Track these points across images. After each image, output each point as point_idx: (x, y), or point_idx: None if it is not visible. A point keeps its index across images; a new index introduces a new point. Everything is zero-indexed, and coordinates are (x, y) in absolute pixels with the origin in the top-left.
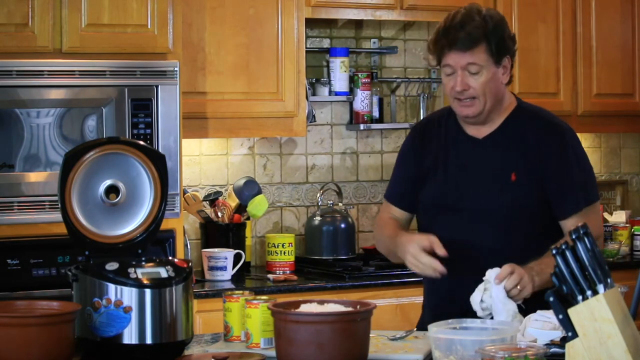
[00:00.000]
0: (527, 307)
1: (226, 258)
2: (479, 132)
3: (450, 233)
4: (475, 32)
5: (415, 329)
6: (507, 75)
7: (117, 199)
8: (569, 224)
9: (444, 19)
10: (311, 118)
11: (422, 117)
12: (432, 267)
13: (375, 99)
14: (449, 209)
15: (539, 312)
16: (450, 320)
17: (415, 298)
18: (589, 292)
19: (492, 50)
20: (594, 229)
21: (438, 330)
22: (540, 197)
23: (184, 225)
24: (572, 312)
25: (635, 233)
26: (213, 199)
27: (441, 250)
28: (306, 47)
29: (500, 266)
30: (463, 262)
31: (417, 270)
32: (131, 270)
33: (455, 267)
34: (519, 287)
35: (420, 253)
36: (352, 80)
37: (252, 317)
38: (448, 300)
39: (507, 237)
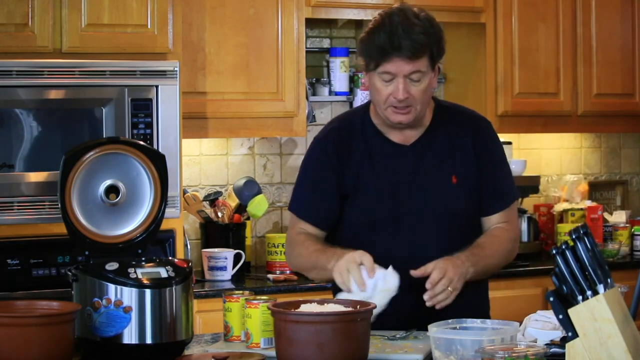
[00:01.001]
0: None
1: (226, 258)
2: (405, 137)
3: (390, 248)
4: (421, 39)
5: (415, 329)
6: (437, 78)
7: (117, 199)
8: (493, 220)
9: (376, 20)
10: (311, 118)
11: (325, 126)
12: (357, 281)
13: None
14: (387, 223)
15: (539, 312)
16: (450, 320)
17: None
18: (589, 292)
19: (433, 56)
20: (516, 227)
21: (438, 330)
22: (477, 196)
23: (184, 225)
24: (572, 312)
25: (635, 233)
26: (213, 199)
27: (370, 272)
28: (306, 47)
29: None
30: (406, 274)
31: (340, 278)
32: (131, 270)
33: (401, 275)
34: (449, 288)
35: (355, 264)
36: (352, 80)
37: (252, 317)
38: (392, 311)
39: (452, 241)
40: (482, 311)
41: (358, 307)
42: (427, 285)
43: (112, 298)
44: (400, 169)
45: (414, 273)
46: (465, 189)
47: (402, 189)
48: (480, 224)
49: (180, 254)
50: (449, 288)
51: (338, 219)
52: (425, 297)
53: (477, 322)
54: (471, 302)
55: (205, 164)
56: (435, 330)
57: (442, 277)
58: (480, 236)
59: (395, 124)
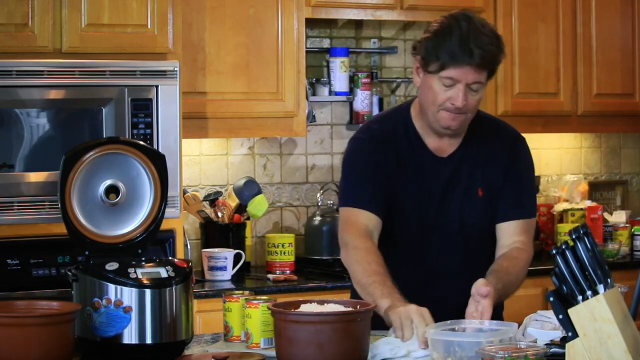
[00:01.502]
0: None
1: (226, 258)
2: (442, 148)
3: (416, 256)
4: (491, 50)
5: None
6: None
7: (117, 199)
8: (508, 230)
9: (442, 23)
10: (311, 118)
11: (363, 126)
12: (420, 338)
13: (375, 99)
14: (416, 231)
15: (539, 312)
16: (448, 322)
17: None
18: (589, 292)
19: (493, 70)
20: (532, 246)
21: (436, 331)
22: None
23: (184, 225)
24: (572, 312)
25: (635, 233)
26: (213, 199)
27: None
28: (306, 47)
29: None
30: (431, 280)
31: (399, 323)
32: (131, 270)
33: (424, 285)
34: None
35: (422, 321)
36: (352, 80)
37: (252, 317)
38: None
39: (473, 254)
40: (496, 313)
41: (358, 307)
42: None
43: (112, 298)
44: (435, 179)
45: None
46: (489, 201)
47: (434, 199)
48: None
49: (180, 254)
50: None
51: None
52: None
53: (475, 324)
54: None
55: (205, 164)
56: (433, 331)
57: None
58: (502, 257)
59: (443, 129)
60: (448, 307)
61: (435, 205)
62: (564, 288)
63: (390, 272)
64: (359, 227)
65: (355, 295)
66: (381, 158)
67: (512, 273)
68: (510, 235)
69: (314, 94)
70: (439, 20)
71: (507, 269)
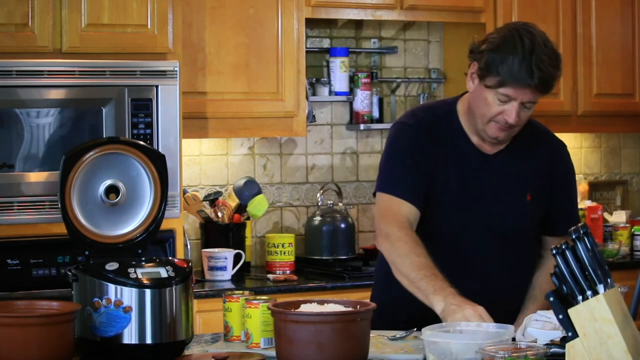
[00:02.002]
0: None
1: (226, 258)
2: (486, 147)
3: (456, 250)
4: (552, 74)
5: (415, 329)
6: None
7: (117, 199)
8: (552, 240)
9: (504, 37)
10: (311, 118)
11: (408, 112)
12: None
13: (375, 99)
14: (459, 225)
15: (539, 312)
16: (444, 324)
17: None
18: (589, 292)
19: (551, 90)
20: None
21: (432, 333)
22: (543, 215)
23: (184, 225)
24: (572, 312)
25: (635, 233)
26: (213, 199)
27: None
28: (306, 47)
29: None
30: (470, 277)
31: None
32: (131, 270)
33: (460, 283)
34: None
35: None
36: (352, 80)
37: (252, 317)
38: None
39: (513, 258)
40: None
41: (358, 307)
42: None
43: (112, 298)
44: (479, 176)
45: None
46: (537, 207)
47: (479, 196)
48: (537, 241)
49: (180, 254)
50: None
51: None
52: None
53: (471, 326)
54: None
55: (205, 164)
56: (429, 333)
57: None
58: (545, 275)
59: (490, 139)
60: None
61: (478, 201)
62: (564, 288)
63: None
64: (401, 219)
65: (381, 286)
66: (425, 146)
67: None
68: (553, 244)
69: (314, 94)
70: (501, 31)
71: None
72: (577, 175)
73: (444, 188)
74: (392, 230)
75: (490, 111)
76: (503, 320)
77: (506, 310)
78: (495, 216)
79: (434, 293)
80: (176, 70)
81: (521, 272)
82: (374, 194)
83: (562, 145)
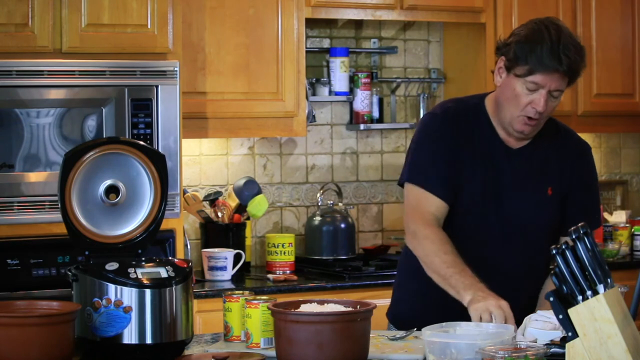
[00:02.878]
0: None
1: (226, 258)
2: (512, 141)
3: (476, 241)
4: (578, 60)
5: (415, 329)
6: None
7: (117, 199)
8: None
9: (531, 29)
10: (311, 118)
11: (438, 104)
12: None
13: (375, 99)
14: (480, 217)
15: (539, 312)
16: (444, 324)
17: None
18: (589, 292)
19: (576, 79)
20: None
21: (432, 333)
22: (563, 212)
23: (184, 225)
24: (572, 312)
25: (635, 233)
26: (213, 199)
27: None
28: (306, 47)
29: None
30: (488, 272)
31: (484, 316)
32: (131, 270)
33: (481, 276)
34: None
35: (501, 313)
36: (352, 80)
37: (252, 317)
38: (453, 305)
39: (532, 251)
40: None
41: (358, 307)
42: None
43: (112, 298)
44: (502, 169)
45: None
46: (557, 202)
47: (499, 189)
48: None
49: (180, 254)
50: None
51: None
52: None
53: (471, 326)
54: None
55: (205, 164)
56: (429, 333)
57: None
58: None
59: (517, 133)
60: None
61: (502, 194)
62: (564, 288)
63: None
64: (428, 217)
65: (406, 277)
66: (452, 136)
67: None
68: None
69: (314, 94)
70: (528, 25)
71: None
72: None
73: (468, 179)
74: (419, 228)
75: (520, 102)
76: (516, 316)
77: (519, 307)
78: (515, 208)
79: (464, 289)
80: (176, 70)
81: (537, 271)
82: (400, 184)
83: (587, 147)
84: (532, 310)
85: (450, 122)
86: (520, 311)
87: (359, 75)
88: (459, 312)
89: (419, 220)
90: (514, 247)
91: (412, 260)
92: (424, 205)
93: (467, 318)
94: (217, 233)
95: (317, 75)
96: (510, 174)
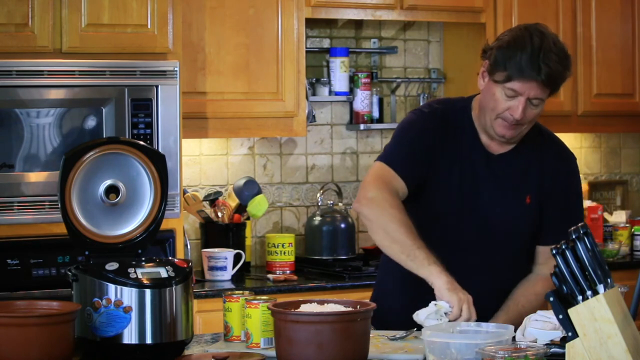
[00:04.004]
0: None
1: (226, 258)
2: (494, 148)
3: (450, 245)
4: (559, 70)
5: (415, 329)
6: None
7: (117, 199)
8: (546, 251)
9: (514, 35)
10: (311, 118)
11: (426, 103)
12: (466, 319)
13: (375, 99)
14: (455, 221)
15: (539, 312)
16: (444, 324)
17: None
18: (589, 292)
19: (558, 88)
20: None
21: (432, 333)
22: (539, 220)
23: (184, 225)
24: (572, 312)
25: (635, 233)
26: (213, 199)
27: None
28: (306, 47)
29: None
30: (461, 275)
31: (458, 306)
32: (131, 270)
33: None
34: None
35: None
36: (352, 80)
37: (252, 317)
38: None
39: (509, 259)
40: None
41: (358, 307)
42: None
43: (112, 298)
44: (483, 175)
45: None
46: (534, 211)
47: (477, 194)
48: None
49: (180, 254)
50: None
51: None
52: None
53: (471, 326)
54: None
55: (205, 164)
56: (429, 333)
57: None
58: (522, 289)
59: (498, 137)
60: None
61: (479, 199)
62: (564, 288)
63: None
64: (392, 188)
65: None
66: (433, 136)
67: (523, 312)
68: (546, 259)
69: (314, 94)
70: (512, 30)
71: (522, 307)
72: None
73: (445, 179)
74: (384, 195)
75: (498, 107)
76: (488, 318)
77: (484, 311)
78: (491, 215)
79: (433, 264)
80: (176, 70)
81: (506, 279)
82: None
83: (571, 156)
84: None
85: (434, 121)
86: (490, 311)
87: (359, 75)
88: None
89: (384, 188)
90: (489, 251)
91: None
92: (389, 178)
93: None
94: (217, 233)
95: (317, 75)
96: (488, 180)
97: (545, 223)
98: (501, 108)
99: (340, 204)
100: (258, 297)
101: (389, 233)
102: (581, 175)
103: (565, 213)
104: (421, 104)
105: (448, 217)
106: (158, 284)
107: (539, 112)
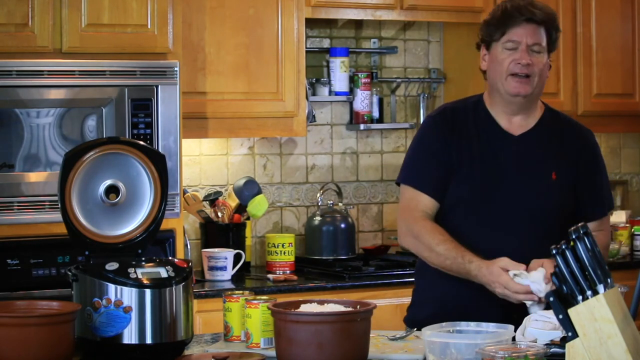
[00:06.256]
0: None
1: (226, 258)
2: (514, 127)
3: (483, 230)
4: (545, 9)
5: (415, 329)
6: (548, 72)
7: (117, 199)
8: (590, 227)
9: (495, 7)
10: (311, 118)
11: (439, 107)
12: (526, 291)
13: (375, 99)
14: (480, 205)
15: (539, 312)
16: (444, 324)
17: None
18: (589, 292)
19: (550, 37)
20: (609, 236)
21: (432, 333)
22: (573, 200)
23: (184, 225)
24: (572, 312)
25: (635, 233)
26: (213, 199)
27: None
28: (306, 47)
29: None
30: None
31: (511, 299)
32: (131, 270)
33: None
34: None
35: (510, 282)
36: (352, 80)
37: (252, 317)
38: (467, 298)
39: (538, 237)
40: None
41: (358, 307)
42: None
43: (112, 298)
44: (504, 156)
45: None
46: (562, 187)
47: (502, 175)
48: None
49: (180, 254)
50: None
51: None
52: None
53: (471, 326)
54: None
55: (205, 164)
56: (429, 333)
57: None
58: None
59: (513, 96)
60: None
61: (504, 181)
62: (564, 288)
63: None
64: (417, 214)
65: (423, 282)
66: (448, 137)
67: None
68: (594, 229)
69: (314, 94)
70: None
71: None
72: None
73: (468, 170)
74: (411, 226)
75: (504, 64)
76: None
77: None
78: (518, 194)
79: (469, 272)
80: (176, 70)
81: (544, 254)
82: (397, 183)
83: (590, 133)
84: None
85: (446, 122)
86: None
87: (359, 75)
88: (474, 312)
89: (410, 218)
90: (521, 233)
91: (427, 265)
92: (415, 203)
93: (482, 318)
94: (217, 233)
95: (317, 75)
96: (512, 161)
97: (582, 199)
98: (507, 63)
99: (340, 204)
100: (258, 297)
101: (430, 260)
102: None
103: (598, 187)
104: (421, 104)
105: (476, 204)
106: (158, 284)
107: (544, 63)
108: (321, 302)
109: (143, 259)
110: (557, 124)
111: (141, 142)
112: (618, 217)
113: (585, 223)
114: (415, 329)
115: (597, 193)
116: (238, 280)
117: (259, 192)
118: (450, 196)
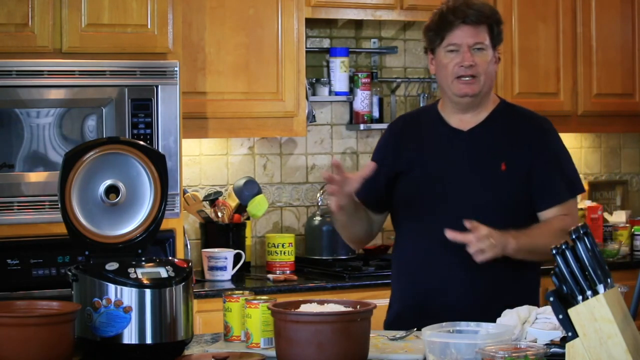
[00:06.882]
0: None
1: (226, 258)
2: (464, 123)
3: (435, 229)
4: (482, 9)
5: (415, 329)
6: (497, 65)
7: (117, 199)
8: (548, 215)
9: (434, 13)
10: (311, 118)
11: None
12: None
13: (375, 99)
14: (433, 203)
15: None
16: (444, 324)
17: None
18: (589, 292)
19: (493, 33)
20: (574, 220)
21: (432, 333)
22: (527, 189)
23: (184, 225)
24: (572, 312)
25: (635, 233)
26: (213, 199)
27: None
28: (306, 47)
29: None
30: (449, 257)
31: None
32: (131, 270)
33: (439, 263)
34: (481, 246)
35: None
36: (352, 80)
37: (252, 317)
38: (425, 296)
39: (501, 228)
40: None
41: (358, 307)
42: (473, 235)
43: (112, 298)
44: (454, 152)
45: (467, 224)
46: (513, 177)
47: (453, 171)
48: (534, 218)
49: (180, 254)
50: (492, 241)
51: (390, 198)
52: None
53: (471, 326)
54: (521, 295)
55: (205, 164)
56: (429, 333)
57: (487, 235)
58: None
59: (461, 97)
60: (456, 280)
61: (454, 178)
62: (564, 288)
63: (402, 245)
64: None
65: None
66: (396, 139)
67: (535, 229)
68: (550, 218)
69: (314, 94)
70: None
71: (530, 227)
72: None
73: (421, 170)
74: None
75: (448, 68)
76: (480, 301)
77: (485, 286)
78: (469, 187)
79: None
80: (176, 70)
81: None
82: None
83: (546, 121)
84: (494, 288)
85: (397, 128)
86: (485, 290)
87: (359, 75)
88: (435, 312)
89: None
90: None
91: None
92: None
93: (443, 318)
94: (217, 233)
95: (317, 75)
96: (461, 156)
97: (535, 190)
98: (451, 66)
99: None
100: (258, 297)
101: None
102: (581, 175)
103: (554, 173)
104: (421, 104)
105: (429, 202)
106: (158, 284)
107: (489, 60)
108: (321, 302)
109: (143, 259)
110: (510, 116)
111: (141, 142)
112: (618, 217)
113: (585, 223)
114: (415, 329)
115: (554, 179)
116: (238, 280)
117: (259, 192)
118: (401, 197)
